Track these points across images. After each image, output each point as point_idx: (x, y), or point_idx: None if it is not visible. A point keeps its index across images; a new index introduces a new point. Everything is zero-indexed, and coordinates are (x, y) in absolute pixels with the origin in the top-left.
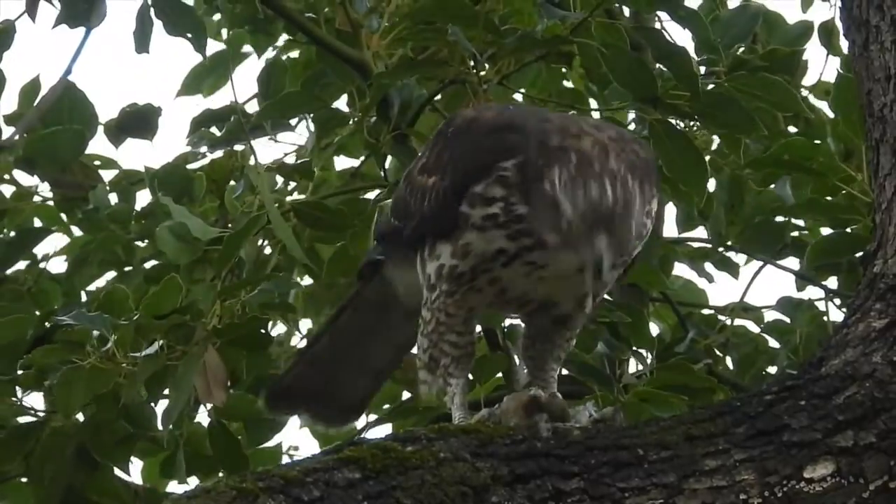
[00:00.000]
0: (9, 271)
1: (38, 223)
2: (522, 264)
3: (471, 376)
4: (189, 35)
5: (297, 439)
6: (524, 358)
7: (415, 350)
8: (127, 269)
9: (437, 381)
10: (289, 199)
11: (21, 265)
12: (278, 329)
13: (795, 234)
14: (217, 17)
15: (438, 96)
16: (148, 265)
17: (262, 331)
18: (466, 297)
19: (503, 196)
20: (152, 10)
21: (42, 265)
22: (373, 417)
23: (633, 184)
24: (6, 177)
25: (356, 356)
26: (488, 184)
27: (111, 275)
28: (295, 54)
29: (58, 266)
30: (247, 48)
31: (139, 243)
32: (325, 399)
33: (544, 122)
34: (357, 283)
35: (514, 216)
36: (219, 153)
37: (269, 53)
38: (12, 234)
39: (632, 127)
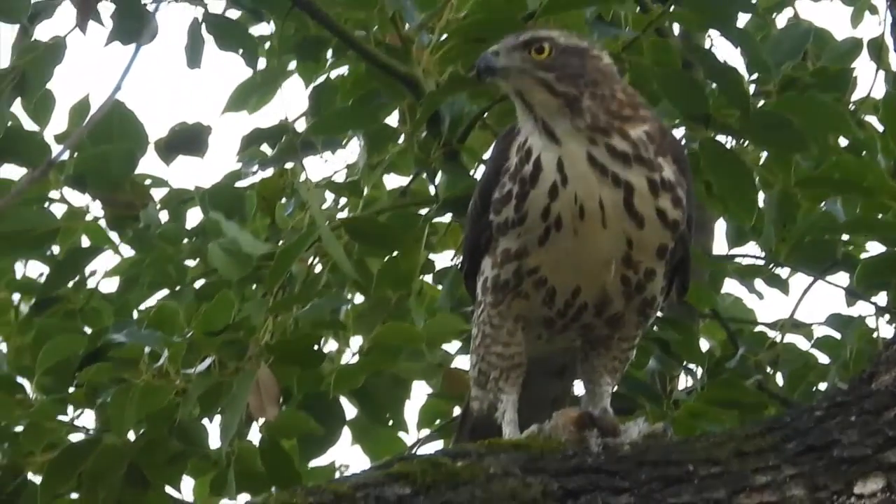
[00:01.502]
0: (60, 290)
1: (88, 242)
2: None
3: None
4: (240, 51)
5: (348, 457)
6: (580, 372)
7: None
8: (178, 287)
9: (488, 396)
10: (339, 216)
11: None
12: (330, 346)
13: (846, 248)
14: (267, 45)
15: (486, 114)
16: (198, 284)
17: (315, 347)
18: (512, 306)
19: (509, 190)
20: (203, 26)
21: (92, 283)
22: (424, 433)
23: None
24: (57, 196)
25: (525, 397)
26: (500, 186)
27: (162, 293)
28: (344, 70)
29: (109, 285)
30: (293, 65)
31: (190, 262)
32: None
33: None
34: None
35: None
36: (269, 171)
37: (318, 80)
38: (64, 253)
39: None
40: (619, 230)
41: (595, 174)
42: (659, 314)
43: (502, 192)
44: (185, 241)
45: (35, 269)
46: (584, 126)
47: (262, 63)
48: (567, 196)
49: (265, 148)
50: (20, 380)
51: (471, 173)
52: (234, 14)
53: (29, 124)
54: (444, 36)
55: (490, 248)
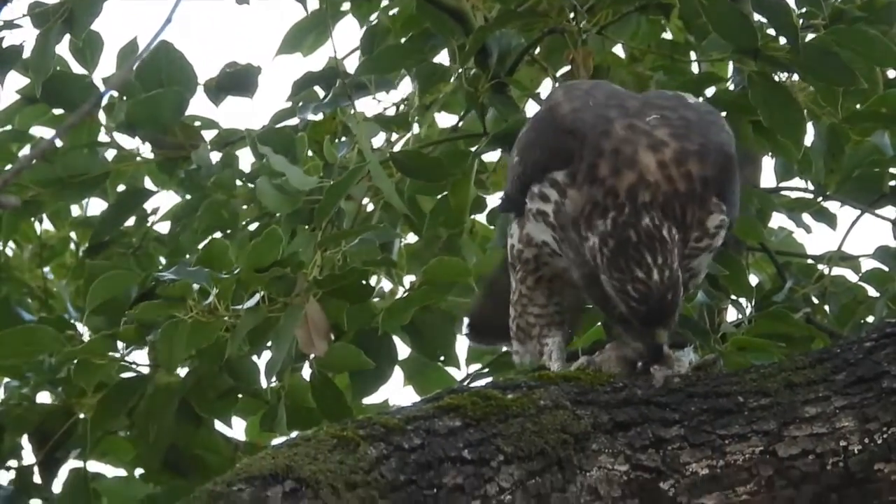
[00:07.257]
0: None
1: (143, 184)
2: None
3: None
4: None
5: (401, 399)
6: None
7: None
8: (230, 231)
9: (528, 350)
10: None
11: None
12: (382, 283)
13: (894, 181)
14: None
15: (538, 49)
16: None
17: (364, 282)
18: (542, 277)
19: (556, 200)
20: None
21: (148, 223)
22: (473, 369)
23: (671, 230)
24: (107, 139)
25: None
26: (542, 185)
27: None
28: (395, 11)
29: (162, 228)
30: (345, 5)
31: (244, 207)
32: None
33: (607, 129)
34: None
35: (560, 222)
36: (321, 115)
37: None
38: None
39: (730, 81)
40: None
41: None
42: None
43: (544, 195)
44: (239, 184)
45: (95, 208)
46: None
47: (312, 3)
48: None
49: (317, 89)
50: (75, 322)
51: (519, 107)
52: None
53: (77, 69)
54: None
55: (520, 221)
